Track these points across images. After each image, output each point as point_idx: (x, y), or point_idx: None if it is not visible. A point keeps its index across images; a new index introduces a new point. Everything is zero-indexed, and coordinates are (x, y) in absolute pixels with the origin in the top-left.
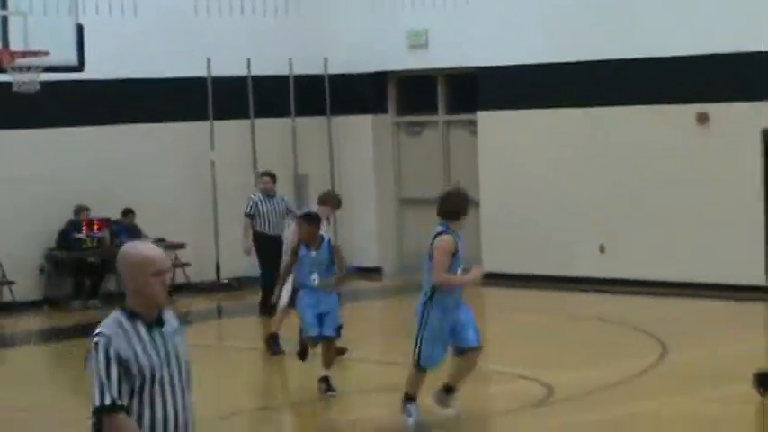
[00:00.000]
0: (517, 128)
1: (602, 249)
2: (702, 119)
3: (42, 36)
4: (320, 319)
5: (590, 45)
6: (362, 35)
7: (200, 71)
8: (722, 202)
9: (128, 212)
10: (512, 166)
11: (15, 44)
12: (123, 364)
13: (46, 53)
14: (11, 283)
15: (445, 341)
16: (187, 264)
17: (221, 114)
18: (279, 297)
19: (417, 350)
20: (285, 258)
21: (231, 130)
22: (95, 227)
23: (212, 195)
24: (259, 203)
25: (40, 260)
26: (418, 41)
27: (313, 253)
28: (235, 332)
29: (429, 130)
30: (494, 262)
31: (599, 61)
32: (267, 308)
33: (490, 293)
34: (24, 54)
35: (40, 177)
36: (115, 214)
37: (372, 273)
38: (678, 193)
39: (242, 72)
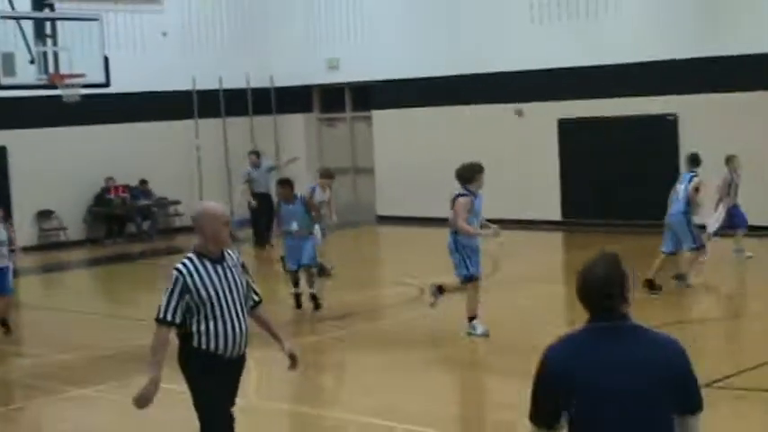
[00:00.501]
0: (400, 121)
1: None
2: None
3: (81, 63)
4: (300, 254)
5: (446, 64)
6: (296, 60)
7: (188, 86)
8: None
9: (143, 182)
10: (396, 146)
11: (63, 69)
12: (191, 291)
13: (83, 75)
14: (65, 228)
15: (478, 257)
16: (182, 213)
17: (202, 114)
18: (270, 236)
19: (463, 267)
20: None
21: (210, 125)
22: (120, 190)
23: (197, 169)
24: (251, 172)
25: (84, 213)
26: (333, 64)
27: (290, 206)
28: None
29: (340, 123)
30: (387, 207)
31: (449, 76)
32: (260, 241)
33: (385, 230)
34: (69, 76)
35: (84, 158)
36: (134, 182)
37: None
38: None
39: (215, 86)
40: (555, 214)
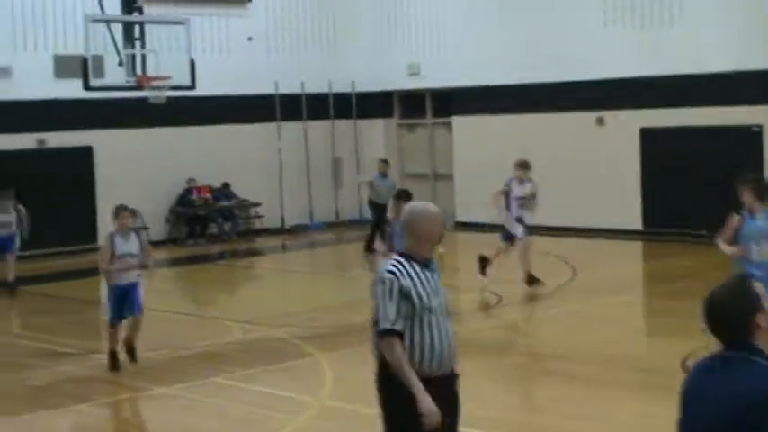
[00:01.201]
0: (480, 127)
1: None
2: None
3: (168, 66)
4: None
5: (527, 71)
6: (377, 67)
7: (270, 90)
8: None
9: (225, 184)
10: (477, 153)
11: (150, 71)
12: (405, 295)
13: (169, 77)
14: (147, 228)
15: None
16: (263, 215)
17: (284, 117)
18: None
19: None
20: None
21: (291, 129)
22: (202, 191)
23: (279, 172)
24: (376, 179)
25: (166, 213)
26: (414, 70)
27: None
28: (298, 260)
29: (420, 128)
30: (466, 214)
31: (531, 84)
32: (370, 248)
33: (464, 236)
34: (156, 78)
35: (168, 159)
36: (216, 184)
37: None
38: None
39: (298, 90)
40: (637, 224)
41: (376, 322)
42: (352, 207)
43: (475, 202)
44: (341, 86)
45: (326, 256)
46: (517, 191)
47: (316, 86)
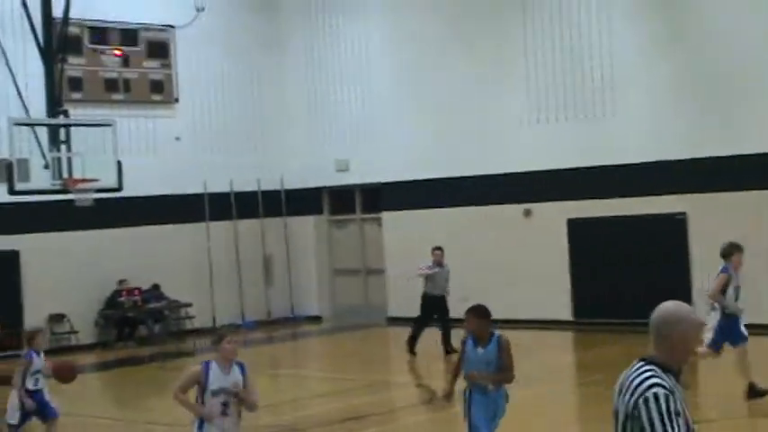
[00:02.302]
0: (410, 222)
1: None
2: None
3: (94, 168)
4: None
5: (455, 165)
6: (306, 163)
7: (199, 189)
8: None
9: (155, 286)
10: (407, 247)
11: (76, 174)
12: (679, 414)
13: (96, 180)
14: (76, 332)
15: None
16: (194, 316)
17: (213, 216)
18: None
19: None
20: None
21: (220, 227)
22: (132, 293)
23: (209, 272)
24: (432, 269)
25: (95, 316)
26: (342, 167)
27: (480, 350)
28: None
29: (351, 224)
30: (398, 308)
31: (460, 177)
32: (412, 344)
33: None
34: (82, 181)
35: (96, 262)
36: (146, 285)
37: (315, 319)
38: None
39: (227, 189)
40: (567, 314)
41: None
42: (285, 305)
43: (407, 296)
44: (270, 184)
45: (258, 354)
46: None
47: (244, 184)
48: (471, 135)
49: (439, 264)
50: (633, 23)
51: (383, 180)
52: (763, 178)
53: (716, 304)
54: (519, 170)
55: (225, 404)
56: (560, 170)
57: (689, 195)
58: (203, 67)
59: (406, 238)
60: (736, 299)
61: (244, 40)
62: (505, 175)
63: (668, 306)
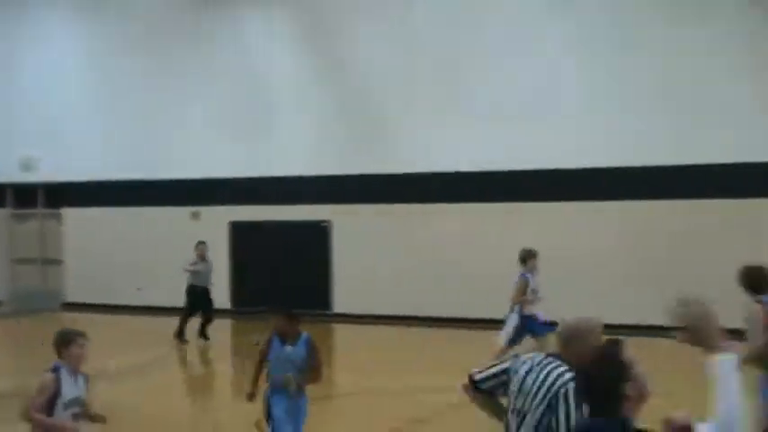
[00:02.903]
0: (89, 218)
1: (139, 289)
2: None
3: None
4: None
5: (134, 166)
6: None
7: None
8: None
9: None
10: (85, 240)
11: None
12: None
13: None
14: None
15: None
16: None
17: None
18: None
19: None
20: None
21: None
22: None
23: None
24: (197, 263)
25: None
26: (28, 164)
27: (289, 348)
28: None
29: (32, 218)
30: (75, 295)
31: (136, 180)
32: (181, 334)
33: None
34: None
35: None
36: None
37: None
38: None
39: None
40: (227, 304)
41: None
42: None
43: (87, 286)
44: None
45: None
46: None
47: None
48: (150, 140)
49: (202, 258)
50: (292, 53)
51: (65, 179)
52: (404, 194)
53: (515, 307)
54: (190, 177)
55: (75, 416)
56: (227, 179)
57: (333, 206)
58: None
59: (85, 232)
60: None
61: None
62: (177, 180)
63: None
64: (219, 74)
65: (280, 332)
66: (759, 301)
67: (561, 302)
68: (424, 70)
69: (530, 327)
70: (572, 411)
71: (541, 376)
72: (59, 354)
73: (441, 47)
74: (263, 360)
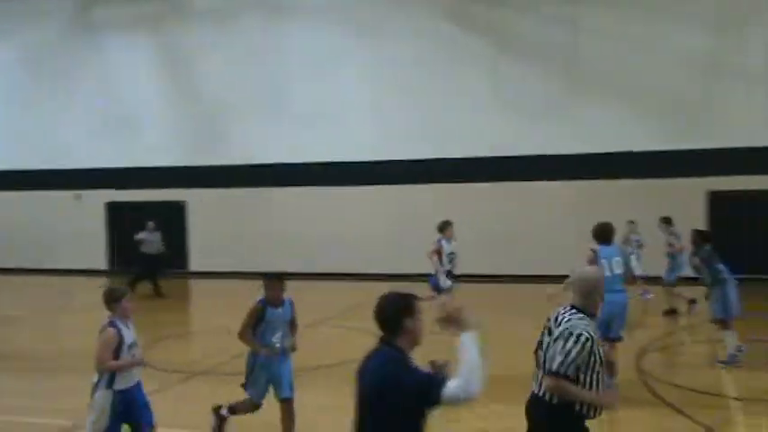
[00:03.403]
0: None
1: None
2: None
3: None
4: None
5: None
6: None
7: None
8: None
9: None
10: None
11: None
12: (596, 355)
13: None
14: None
15: None
16: None
17: None
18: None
19: None
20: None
21: None
22: None
23: None
24: (145, 234)
25: None
26: None
27: (278, 311)
28: None
29: None
30: None
31: (41, 170)
32: (133, 284)
33: None
34: None
35: None
36: None
37: None
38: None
39: None
40: (103, 265)
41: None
42: None
43: None
44: None
45: None
46: None
47: None
48: (42, 133)
49: (154, 230)
50: (152, 73)
51: None
52: (242, 180)
53: (438, 265)
54: (74, 167)
55: (133, 356)
56: (105, 168)
57: (189, 190)
58: None
59: None
60: (450, 262)
61: None
62: (64, 170)
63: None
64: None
65: (271, 297)
66: (593, 249)
67: None
68: (257, 85)
69: (434, 282)
70: (559, 347)
71: (561, 324)
72: (110, 308)
73: (267, 67)
74: (249, 325)
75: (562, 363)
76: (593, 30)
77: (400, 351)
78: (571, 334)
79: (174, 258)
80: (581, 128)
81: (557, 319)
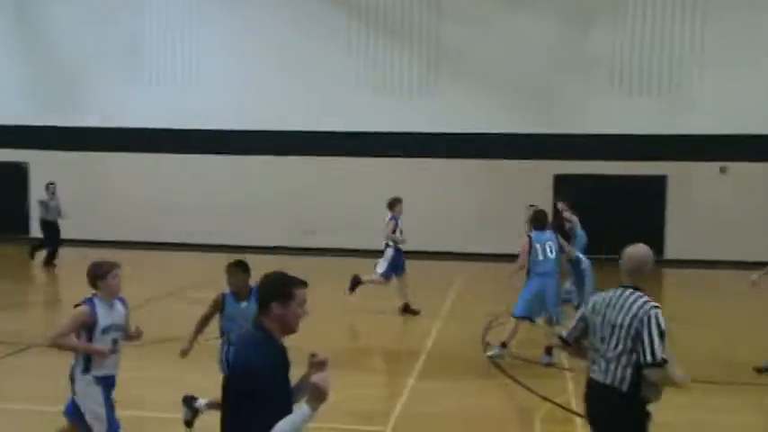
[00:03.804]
0: None
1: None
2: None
3: None
4: None
5: None
6: None
7: None
8: None
9: None
10: None
11: None
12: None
13: None
14: None
15: None
16: None
17: None
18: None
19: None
20: None
21: None
22: None
23: None
24: (48, 202)
25: None
26: None
27: (242, 305)
28: None
29: None
30: None
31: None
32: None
33: None
34: None
35: None
36: None
37: None
38: None
39: None
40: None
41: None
42: None
43: None
44: None
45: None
46: None
47: None
48: None
49: (52, 195)
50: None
51: None
52: (100, 144)
53: (390, 242)
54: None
55: (115, 341)
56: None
57: (31, 151)
58: None
59: None
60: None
61: None
62: None
63: (646, 247)
64: None
65: (236, 289)
66: (528, 234)
67: None
68: (117, 48)
69: (399, 260)
70: (654, 334)
71: (626, 306)
72: (94, 285)
73: (126, 28)
74: (210, 318)
75: (662, 349)
76: (454, 12)
77: (268, 333)
78: (651, 317)
79: (9, 221)
80: (441, 108)
81: (614, 303)
